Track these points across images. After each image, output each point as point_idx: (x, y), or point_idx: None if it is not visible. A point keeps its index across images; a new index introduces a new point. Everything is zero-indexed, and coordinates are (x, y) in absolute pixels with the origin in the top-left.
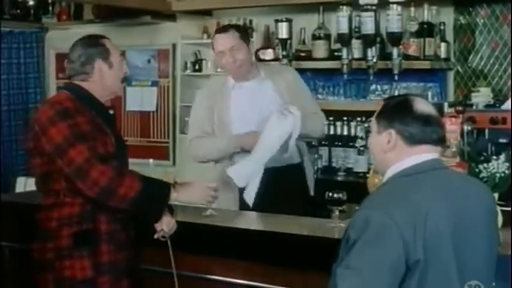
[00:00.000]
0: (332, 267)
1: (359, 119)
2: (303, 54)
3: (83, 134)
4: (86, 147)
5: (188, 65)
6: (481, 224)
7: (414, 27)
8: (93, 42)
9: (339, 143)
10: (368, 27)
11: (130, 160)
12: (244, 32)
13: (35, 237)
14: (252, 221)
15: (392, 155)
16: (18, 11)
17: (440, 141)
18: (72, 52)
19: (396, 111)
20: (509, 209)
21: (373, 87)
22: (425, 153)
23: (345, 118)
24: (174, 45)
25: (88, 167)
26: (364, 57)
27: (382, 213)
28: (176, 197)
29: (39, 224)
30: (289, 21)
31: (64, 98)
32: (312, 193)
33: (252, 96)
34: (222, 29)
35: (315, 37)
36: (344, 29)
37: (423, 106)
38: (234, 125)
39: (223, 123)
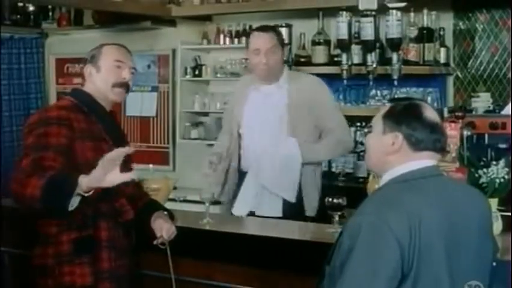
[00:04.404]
0: (323, 268)
1: (358, 124)
2: (302, 59)
3: (45, 145)
4: (32, 158)
5: (188, 70)
6: (474, 231)
7: (413, 32)
8: (95, 47)
9: None
10: (368, 33)
11: None
12: (282, 37)
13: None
14: (252, 226)
15: (393, 158)
16: (19, 16)
17: (442, 149)
18: None
19: (406, 115)
20: (509, 214)
21: (373, 92)
22: (426, 160)
23: None
24: (174, 51)
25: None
26: (364, 63)
27: (375, 218)
28: (85, 182)
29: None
30: (289, 26)
31: (58, 106)
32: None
33: (265, 100)
34: (262, 29)
35: (314, 42)
36: (344, 34)
37: (431, 113)
38: (245, 127)
39: (236, 123)
